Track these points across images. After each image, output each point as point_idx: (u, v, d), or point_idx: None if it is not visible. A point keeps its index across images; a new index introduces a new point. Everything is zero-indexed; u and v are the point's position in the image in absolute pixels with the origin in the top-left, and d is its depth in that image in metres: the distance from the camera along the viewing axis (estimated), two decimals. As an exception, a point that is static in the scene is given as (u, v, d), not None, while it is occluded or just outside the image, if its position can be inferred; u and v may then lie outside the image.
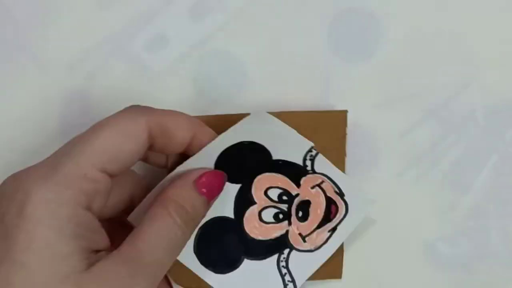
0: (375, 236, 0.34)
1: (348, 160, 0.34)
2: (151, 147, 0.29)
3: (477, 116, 0.35)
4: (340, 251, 0.33)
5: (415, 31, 0.36)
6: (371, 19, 0.36)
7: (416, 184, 0.35)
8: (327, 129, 0.33)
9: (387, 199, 0.34)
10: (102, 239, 0.27)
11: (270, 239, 0.32)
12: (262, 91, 0.35)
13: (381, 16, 0.36)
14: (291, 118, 0.33)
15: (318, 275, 0.32)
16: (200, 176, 0.28)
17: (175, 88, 0.35)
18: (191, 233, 0.28)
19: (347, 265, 0.34)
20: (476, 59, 0.35)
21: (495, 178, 0.35)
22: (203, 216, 0.29)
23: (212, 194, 0.29)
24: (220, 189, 0.29)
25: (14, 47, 0.36)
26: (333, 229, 0.32)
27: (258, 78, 0.35)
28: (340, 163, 0.33)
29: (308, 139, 0.33)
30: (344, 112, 0.34)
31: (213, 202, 0.29)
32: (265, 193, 0.32)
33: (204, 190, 0.28)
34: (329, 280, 0.33)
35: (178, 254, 0.28)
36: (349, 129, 0.35)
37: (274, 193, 0.32)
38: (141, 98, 0.35)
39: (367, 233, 0.34)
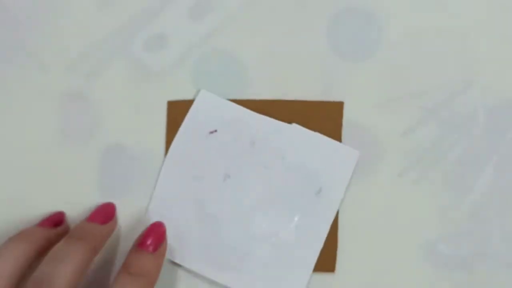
0: (375, 236, 0.34)
1: (348, 160, 0.35)
2: None
3: (478, 116, 0.35)
4: (333, 244, 0.33)
5: (415, 31, 0.35)
6: (371, 19, 0.36)
7: (416, 184, 0.35)
8: (323, 119, 0.34)
9: (387, 199, 0.34)
10: None
11: None
12: (262, 91, 0.35)
13: (381, 16, 0.36)
14: (287, 106, 0.34)
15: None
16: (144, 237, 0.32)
17: (175, 88, 0.35)
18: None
19: (347, 265, 0.34)
20: (476, 59, 0.35)
21: (496, 178, 0.35)
22: (157, 266, 0.31)
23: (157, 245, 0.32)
24: (164, 236, 0.33)
25: (14, 47, 0.36)
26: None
27: (258, 78, 0.35)
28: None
29: (304, 127, 0.34)
30: (341, 103, 0.34)
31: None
32: None
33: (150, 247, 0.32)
34: (323, 273, 0.33)
35: None
36: (349, 129, 0.35)
37: None
38: (141, 98, 0.35)
39: (367, 233, 0.34)
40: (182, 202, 0.34)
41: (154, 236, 0.32)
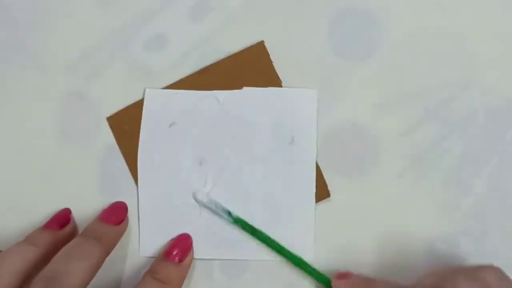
0: (375, 236, 0.34)
1: (349, 160, 0.35)
2: None
3: (477, 116, 0.35)
4: (319, 173, 0.34)
5: (415, 31, 0.35)
6: (371, 19, 0.36)
7: (416, 184, 0.35)
8: (253, 64, 0.35)
9: (387, 199, 0.34)
10: None
11: None
12: (262, 91, 0.35)
13: (381, 16, 0.36)
14: (218, 68, 0.35)
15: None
16: (171, 247, 0.33)
17: (175, 88, 0.35)
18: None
19: (347, 265, 0.34)
20: (476, 59, 0.35)
21: (495, 178, 0.35)
22: (181, 276, 0.32)
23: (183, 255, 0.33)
24: (190, 249, 0.33)
25: (14, 47, 0.36)
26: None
27: (258, 78, 0.35)
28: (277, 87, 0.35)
29: (240, 79, 0.35)
30: (261, 43, 0.35)
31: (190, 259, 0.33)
32: None
33: (176, 258, 0.33)
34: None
35: None
36: (349, 129, 0.35)
37: None
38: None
39: (367, 233, 0.34)
40: (168, 198, 0.34)
41: (180, 248, 0.33)
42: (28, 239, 0.31)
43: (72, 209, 0.34)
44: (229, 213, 0.34)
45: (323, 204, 0.34)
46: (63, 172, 0.35)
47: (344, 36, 0.36)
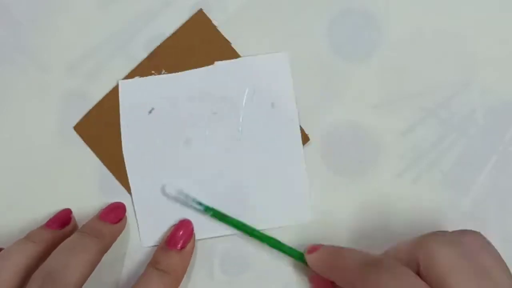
0: (375, 236, 0.34)
1: (349, 160, 0.35)
2: None
3: (477, 116, 0.35)
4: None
5: (415, 31, 0.36)
6: (371, 19, 0.36)
7: (416, 184, 0.35)
8: (197, 35, 0.35)
9: (387, 199, 0.34)
10: None
11: None
12: (262, 91, 0.35)
13: (381, 16, 0.36)
14: (163, 50, 0.35)
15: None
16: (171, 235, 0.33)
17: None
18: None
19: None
20: (476, 59, 0.35)
21: (495, 178, 0.35)
22: (184, 263, 0.32)
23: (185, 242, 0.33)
24: (191, 235, 0.33)
25: (14, 47, 0.36)
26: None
27: (258, 78, 0.35)
28: (229, 50, 0.35)
29: (189, 53, 0.35)
30: (200, 11, 0.35)
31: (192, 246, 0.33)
32: None
33: (178, 246, 0.33)
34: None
35: None
36: (349, 129, 0.35)
37: None
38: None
39: (367, 233, 0.34)
40: (159, 183, 0.34)
41: (182, 234, 0.33)
42: (29, 237, 0.31)
43: (72, 209, 0.34)
44: (200, 203, 0.34)
45: (323, 203, 0.34)
46: (63, 172, 0.35)
47: (344, 36, 0.36)
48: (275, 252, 0.34)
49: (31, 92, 0.35)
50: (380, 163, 0.35)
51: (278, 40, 0.35)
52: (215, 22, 0.35)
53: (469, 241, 0.27)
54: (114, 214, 0.33)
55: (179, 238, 0.33)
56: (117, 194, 0.35)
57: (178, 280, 0.31)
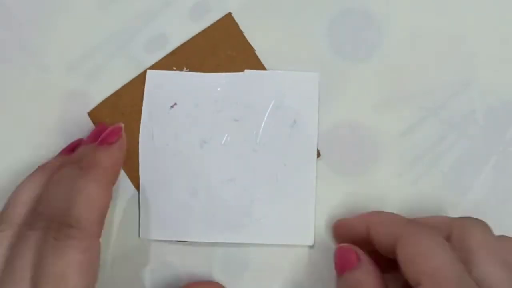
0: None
1: (349, 160, 0.35)
2: None
3: (477, 116, 0.35)
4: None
5: (415, 31, 0.36)
6: (371, 19, 0.36)
7: (416, 184, 0.35)
8: (223, 37, 0.35)
9: (387, 199, 0.34)
10: None
11: None
12: (262, 91, 0.35)
13: (381, 16, 0.36)
14: (189, 46, 0.35)
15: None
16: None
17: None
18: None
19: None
20: (476, 59, 0.35)
21: (495, 178, 0.35)
22: (111, 157, 0.31)
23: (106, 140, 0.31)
24: (114, 135, 0.32)
25: (14, 47, 0.36)
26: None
27: (258, 78, 0.35)
28: (252, 58, 0.35)
29: (213, 54, 0.35)
30: (229, 14, 0.35)
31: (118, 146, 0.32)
32: None
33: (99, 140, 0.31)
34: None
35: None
36: (349, 129, 0.35)
37: None
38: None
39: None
40: (169, 180, 0.34)
41: (108, 130, 0.32)
42: (40, 167, 0.31)
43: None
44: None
45: (323, 202, 0.34)
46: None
47: (344, 36, 0.36)
48: (275, 252, 0.34)
49: (31, 92, 0.35)
50: (380, 163, 0.35)
51: (278, 40, 0.35)
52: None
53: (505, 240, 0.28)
54: (111, 135, 0.32)
55: (106, 133, 0.31)
56: (117, 195, 0.35)
57: (107, 174, 0.30)
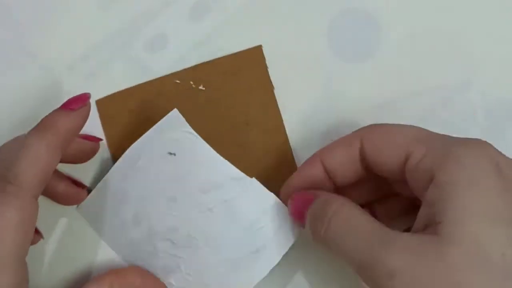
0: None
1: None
2: None
3: (477, 116, 0.35)
4: None
5: (415, 31, 0.36)
6: (371, 19, 0.36)
7: (416, 184, 0.35)
8: (247, 68, 0.35)
9: (387, 199, 0.34)
10: None
11: None
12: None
13: (381, 16, 0.36)
14: (212, 66, 0.35)
15: None
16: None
17: (175, 88, 0.35)
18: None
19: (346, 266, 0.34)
20: (476, 59, 0.35)
21: (495, 178, 0.35)
22: (70, 121, 0.30)
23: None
24: (78, 102, 0.30)
25: (14, 47, 0.36)
26: None
27: (258, 78, 0.35)
28: (269, 94, 0.35)
29: (231, 81, 0.35)
30: (259, 47, 0.35)
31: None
32: None
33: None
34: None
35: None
36: (349, 129, 0.35)
37: None
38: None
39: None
40: (124, 208, 0.33)
41: (74, 97, 0.31)
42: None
43: (72, 209, 0.34)
44: None
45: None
46: (63, 172, 0.35)
47: (344, 36, 0.36)
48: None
49: (31, 92, 0.35)
50: (380, 163, 0.35)
51: (278, 40, 0.35)
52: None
53: None
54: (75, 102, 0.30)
55: (73, 100, 0.30)
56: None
57: (61, 137, 0.29)
